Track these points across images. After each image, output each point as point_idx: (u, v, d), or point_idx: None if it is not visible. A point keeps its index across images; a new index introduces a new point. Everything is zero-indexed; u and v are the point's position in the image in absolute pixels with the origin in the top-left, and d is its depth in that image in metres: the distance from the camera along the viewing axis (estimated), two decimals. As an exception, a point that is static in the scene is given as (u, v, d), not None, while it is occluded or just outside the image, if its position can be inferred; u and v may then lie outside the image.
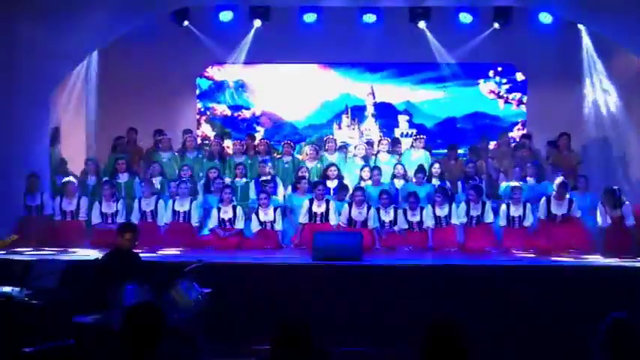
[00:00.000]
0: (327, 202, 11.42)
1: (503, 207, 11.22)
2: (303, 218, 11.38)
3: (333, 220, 11.32)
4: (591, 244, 10.90)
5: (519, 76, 15.11)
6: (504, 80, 15.14)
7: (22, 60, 11.58)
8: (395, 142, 13.88)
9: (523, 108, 15.08)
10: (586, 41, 13.90)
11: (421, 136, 13.43)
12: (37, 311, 7.66)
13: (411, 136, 14.76)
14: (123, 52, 14.04)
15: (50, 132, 12.68)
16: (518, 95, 15.12)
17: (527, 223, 11.13)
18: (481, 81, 15.17)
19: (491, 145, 13.72)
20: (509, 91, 15.14)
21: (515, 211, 11.18)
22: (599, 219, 10.83)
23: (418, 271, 9.23)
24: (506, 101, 15.18)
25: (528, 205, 11.22)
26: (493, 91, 15.17)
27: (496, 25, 13.78)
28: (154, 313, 4.43)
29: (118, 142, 13.26)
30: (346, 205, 11.34)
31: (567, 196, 11.17)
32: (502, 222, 11.18)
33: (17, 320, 7.40)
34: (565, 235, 10.98)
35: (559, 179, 11.34)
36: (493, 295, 8.82)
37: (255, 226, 11.34)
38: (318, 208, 11.38)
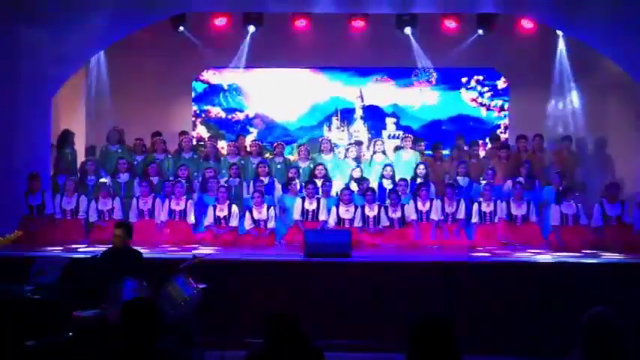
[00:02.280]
0: (318, 200, 11.46)
1: (475, 205, 11.35)
2: (296, 216, 11.41)
3: (323, 216, 11.39)
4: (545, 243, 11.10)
5: (500, 84, 15.15)
6: (485, 89, 15.16)
7: (24, 63, 11.57)
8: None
9: (504, 115, 15.09)
10: (561, 47, 13.93)
11: (408, 136, 13.46)
12: (39, 306, 7.63)
13: (397, 137, 14.79)
14: (122, 56, 14.03)
15: (60, 134, 12.78)
16: (499, 102, 15.16)
17: (497, 219, 11.35)
18: (463, 90, 15.20)
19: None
20: (491, 98, 15.16)
21: (487, 207, 11.31)
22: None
23: (404, 266, 9.27)
24: (488, 108, 15.20)
25: (499, 202, 11.36)
26: (475, 100, 15.20)
27: (480, 32, 13.77)
28: (151, 308, 4.42)
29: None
30: (334, 207, 11.44)
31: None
32: (474, 219, 11.34)
33: (19, 315, 7.36)
34: (523, 235, 11.20)
35: (518, 180, 11.59)
36: (479, 290, 8.85)
37: (248, 224, 11.36)
38: (310, 206, 11.47)
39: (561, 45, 13.87)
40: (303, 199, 11.53)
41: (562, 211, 10.97)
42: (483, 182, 11.83)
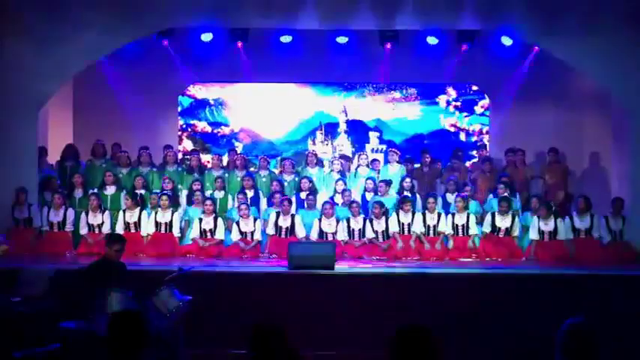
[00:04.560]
0: (293, 216, 11.49)
1: (450, 216, 11.43)
2: (270, 230, 11.44)
3: (300, 232, 11.41)
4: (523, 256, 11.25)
5: (478, 108, 15.23)
6: (464, 114, 15.24)
7: (10, 77, 11.61)
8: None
9: (484, 138, 15.15)
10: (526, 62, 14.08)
11: (395, 150, 13.53)
12: (26, 318, 7.60)
13: (381, 151, 14.86)
14: (109, 70, 14.05)
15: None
16: (478, 127, 15.23)
17: (472, 232, 11.39)
18: (441, 115, 15.27)
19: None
20: (469, 122, 15.23)
21: (460, 220, 11.39)
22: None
23: (386, 278, 9.32)
24: (468, 134, 15.27)
25: (472, 215, 11.42)
26: (454, 125, 15.28)
27: (462, 48, 13.78)
28: (138, 320, 4.41)
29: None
30: (316, 220, 11.44)
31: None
32: (448, 230, 11.41)
33: (7, 326, 7.33)
34: (502, 247, 11.27)
35: (503, 194, 11.70)
36: (459, 301, 8.89)
37: (235, 236, 11.37)
38: (284, 222, 11.46)
39: (529, 59, 13.97)
40: (278, 214, 11.55)
41: (539, 227, 11.09)
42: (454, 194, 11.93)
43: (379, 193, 12.14)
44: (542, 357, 4.21)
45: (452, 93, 15.26)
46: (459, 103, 15.26)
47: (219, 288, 8.93)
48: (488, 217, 11.43)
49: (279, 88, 15.34)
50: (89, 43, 11.92)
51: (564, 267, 10.22)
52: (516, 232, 11.39)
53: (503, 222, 11.36)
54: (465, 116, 15.25)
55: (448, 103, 15.27)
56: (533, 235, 11.17)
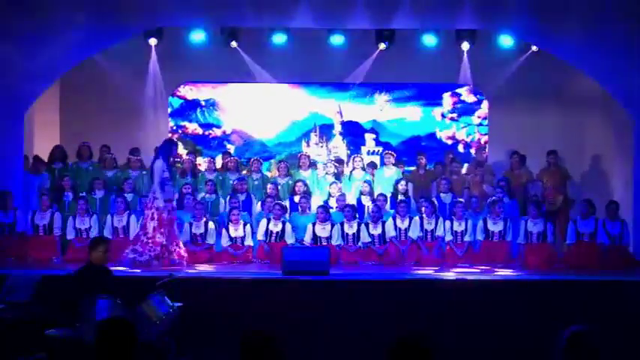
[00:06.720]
0: (284, 223, 11.49)
1: (448, 222, 11.43)
2: (260, 235, 11.44)
3: (289, 239, 11.40)
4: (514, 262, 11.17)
5: (475, 119, 15.22)
6: (462, 125, 15.20)
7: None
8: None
9: (482, 150, 15.02)
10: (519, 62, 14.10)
11: (390, 152, 13.51)
12: (10, 325, 7.57)
13: (377, 153, 14.84)
14: (98, 70, 14.00)
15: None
16: (476, 137, 15.22)
17: (468, 237, 11.36)
18: (437, 129, 15.24)
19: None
20: (467, 133, 15.21)
21: (459, 226, 11.37)
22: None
23: (383, 285, 9.32)
24: (465, 145, 15.24)
25: (470, 220, 11.42)
26: (451, 137, 15.25)
27: (464, 47, 13.75)
28: (127, 327, 4.39)
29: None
30: (310, 224, 11.42)
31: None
32: (447, 236, 11.38)
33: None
34: (496, 253, 11.24)
35: (493, 197, 11.69)
36: (458, 309, 8.88)
37: (225, 241, 11.35)
38: (275, 227, 11.46)
39: (528, 60, 13.99)
40: (269, 219, 11.53)
41: (527, 229, 11.08)
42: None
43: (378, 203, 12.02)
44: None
45: (447, 104, 15.22)
46: (455, 115, 15.23)
47: (210, 294, 8.91)
48: (480, 223, 11.41)
49: (272, 89, 15.28)
50: (77, 43, 11.90)
51: (563, 274, 10.22)
52: (509, 237, 11.35)
53: (495, 226, 11.34)
54: (463, 127, 15.22)
55: (443, 116, 15.24)
56: (520, 238, 11.15)
